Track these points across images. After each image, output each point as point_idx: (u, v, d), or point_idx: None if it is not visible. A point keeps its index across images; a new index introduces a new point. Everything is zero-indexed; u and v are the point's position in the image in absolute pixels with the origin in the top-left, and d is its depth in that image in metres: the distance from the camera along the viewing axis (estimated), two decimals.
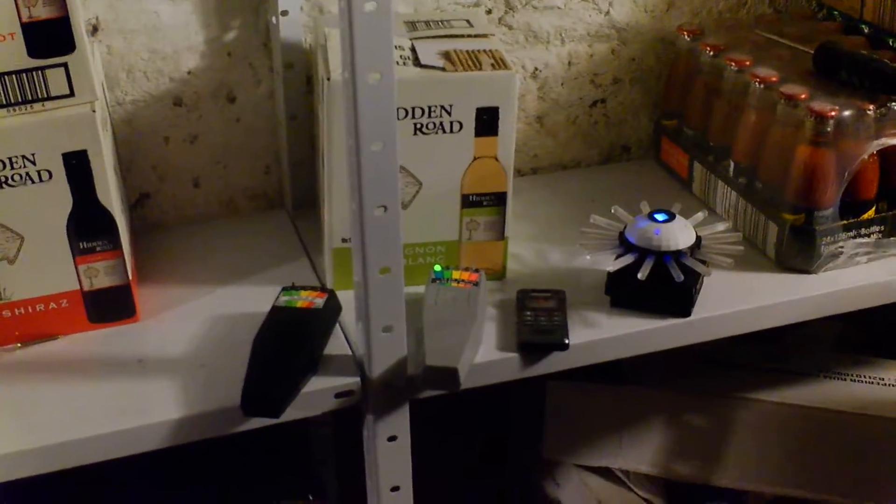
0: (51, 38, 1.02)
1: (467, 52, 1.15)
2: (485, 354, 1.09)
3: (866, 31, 1.36)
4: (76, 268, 1.11)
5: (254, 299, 1.16)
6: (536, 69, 1.43)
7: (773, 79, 1.24)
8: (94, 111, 1.05)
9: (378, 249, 0.98)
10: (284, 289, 1.13)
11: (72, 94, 1.05)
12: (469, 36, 1.19)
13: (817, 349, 1.50)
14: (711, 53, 1.34)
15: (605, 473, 1.46)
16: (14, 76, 1.02)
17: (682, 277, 1.11)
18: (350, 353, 1.09)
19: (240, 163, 1.37)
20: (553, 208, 1.38)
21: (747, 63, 1.29)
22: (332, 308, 1.12)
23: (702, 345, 1.19)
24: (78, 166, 1.06)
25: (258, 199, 1.40)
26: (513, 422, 1.59)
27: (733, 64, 1.30)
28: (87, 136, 1.05)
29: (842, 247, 1.21)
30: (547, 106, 1.46)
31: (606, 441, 1.44)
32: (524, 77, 1.43)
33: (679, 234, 1.14)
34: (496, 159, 1.15)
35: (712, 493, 1.41)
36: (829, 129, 1.17)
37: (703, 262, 1.14)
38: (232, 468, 1.34)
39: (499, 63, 1.13)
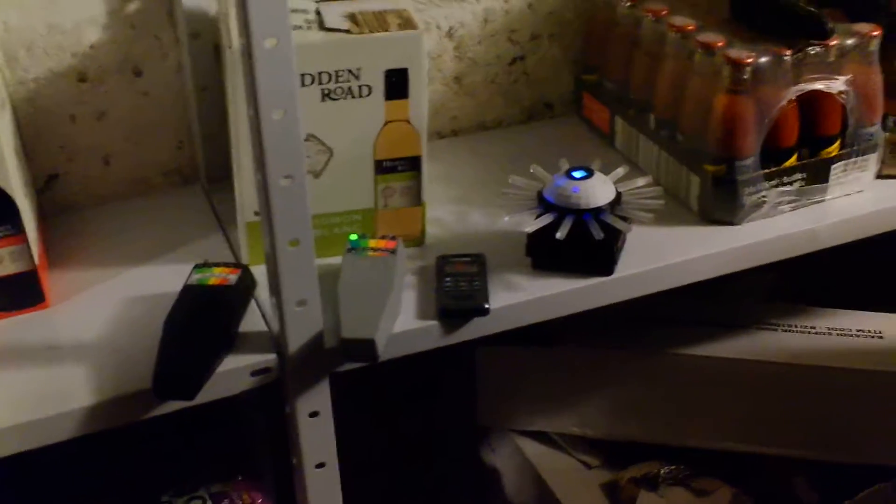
0: None
1: (374, 12, 1.11)
2: (404, 323, 1.07)
3: None
4: None
5: (168, 279, 1.12)
6: (451, 28, 1.40)
7: (690, 27, 1.22)
8: None
9: (286, 221, 0.95)
10: (196, 266, 1.10)
11: None
12: None
13: (749, 301, 1.49)
14: (628, 4, 1.32)
15: (541, 437, 1.44)
16: None
17: (602, 235, 1.09)
18: (266, 329, 1.07)
19: (151, 138, 1.33)
20: (474, 170, 1.36)
21: (664, 12, 1.27)
22: (246, 284, 1.09)
23: (632, 301, 1.17)
24: None
25: (172, 175, 1.36)
26: (444, 390, 1.57)
27: (650, 14, 1.27)
28: None
29: (765, 196, 1.19)
30: (464, 66, 1.43)
31: (539, 404, 1.43)
32: (439, 37, 1.40)
33: (598, 190, 1.12)
34: (408, 122, 1.12)
35: (649, 451, 1.40)
36: (746, 77, 1.15)
37: (624, 219, 1.12)
38: (159, 454, 1.31)
39: (406, 23, 1.10)
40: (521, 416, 1.44)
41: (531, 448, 1.43)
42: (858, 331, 1.42)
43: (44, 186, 1.30)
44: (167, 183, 1.36)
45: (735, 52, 1.16)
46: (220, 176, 1.32)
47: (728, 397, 1.39)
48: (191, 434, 1.32)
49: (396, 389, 1.52)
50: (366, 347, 0.99)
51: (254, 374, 1.03)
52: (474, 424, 1.46)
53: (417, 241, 1.19)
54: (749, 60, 1.15)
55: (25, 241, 1.08)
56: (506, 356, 1.40)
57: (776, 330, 1.42)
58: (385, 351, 1.01)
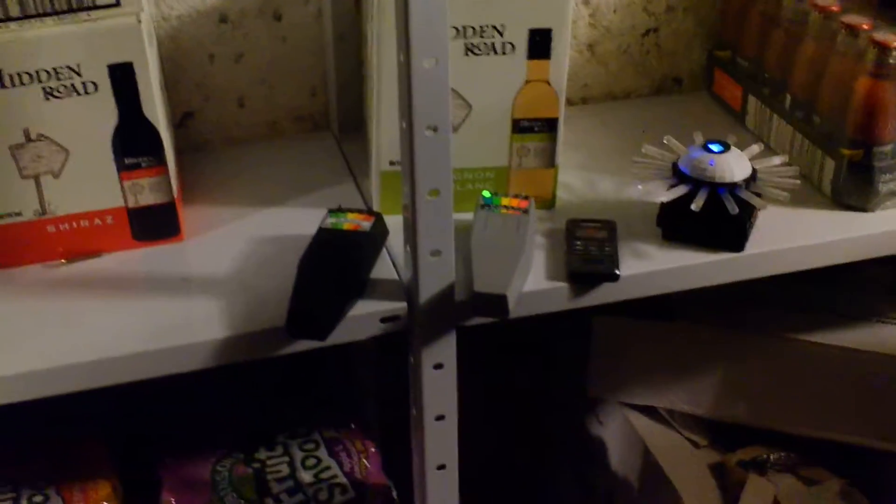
0: None
1: None
2: (533, 283, 1.07)
3: None
4: (121, 183, 1.10)
5: (299, 221, 1.14)
6: None
7: (834, 8, 1.20)
8: (139, 21, 1.03)
9: (427, 171, 0.96)
10: (331, 211, 1.11)
11: (117, 3, 1.03)
12: None
13: (871, 293, 1.47)
14: None
15: (650, 412, 1.43)
16: None
17: (736, 210, 1.08)
18: (397, 277, 1.07)
19: (285, 83, 1.35)
20: (603, 138, 1.36)
21: None
22: (380, 231, 1.10)
23: (753, 283, 1.16)
24: (123, 79, 1.04)
25: (303, 122, 1.38)
26: (557, 357, 1.57)
27: None
28: (133, 47, 1.04)
29: None
30: (598, 34, 1.43)
31: (652, 379, 1.42)
32: (576, 3, 1.39)
33: (734, 165, 1.11)
34: (548, 83, 1.12)
35: (758, 435, 1.39)
36: (891, 61, 1.13)
37: (759, 196, 1.11)
38: (274, 394, 1.34)
39: None
40: (632, 389, 1.43)
41: (640, 422, 1.42)
42: None
43: (179, 123, 1.32)
44: (298, 128, 1.38)
45: (881, 36, 1.14)
46: (350, 125, 1.34)
47: (841, 388, 1.37)
48: (303, 378, 1.35)
49: (510, 349, 1.52)
50: (497, 303, 0.99)
51: (383, 320, 1.03)
52: (584, 393, 1.46)
53: (548, 203, 1.19)
54: (895, 44, 1.13)
55: (167, 172, 1.10)
56: (622, 327, 1.40)
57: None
58: (514, 308, 1.02)
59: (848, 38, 1.17)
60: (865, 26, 1.16)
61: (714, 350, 1.39)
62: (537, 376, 1.60)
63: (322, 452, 1.25)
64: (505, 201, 1.11)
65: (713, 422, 1.42)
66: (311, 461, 1.24)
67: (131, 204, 1.11)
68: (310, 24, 1.32)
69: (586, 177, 1.26)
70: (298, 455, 1.25)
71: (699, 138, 1.16)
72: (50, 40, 1.01)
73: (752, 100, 1.35)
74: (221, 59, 1.31)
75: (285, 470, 1.22)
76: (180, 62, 1.29)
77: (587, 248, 1.10)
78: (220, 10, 1.28)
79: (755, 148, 1.16)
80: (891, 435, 1.37)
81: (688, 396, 1.41)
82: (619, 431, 1.44)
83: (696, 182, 1.11)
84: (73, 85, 1.03)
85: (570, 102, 1.43)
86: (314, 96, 1.36)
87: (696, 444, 1.40)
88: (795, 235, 1.16)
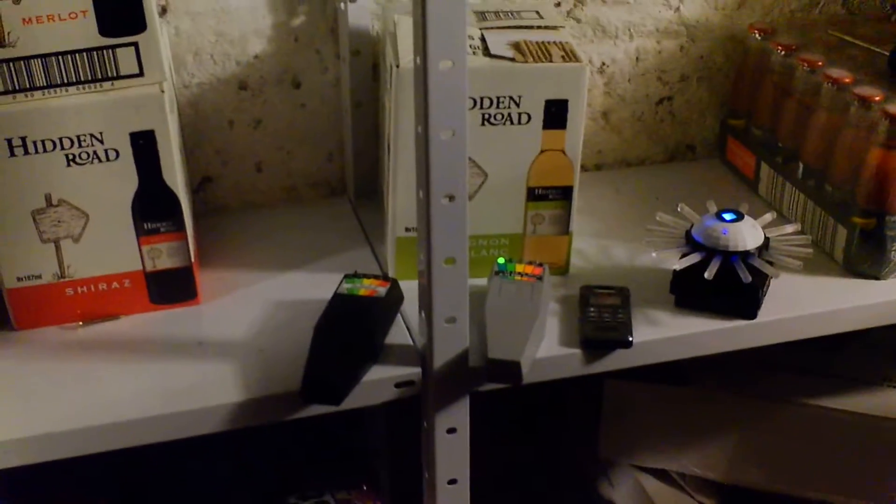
0: (122, 16, 1.02)
1: (537, 43, 1.13)
2: (547, 349, 1.08)
3: None
4: (140, 248, 1.11)
5: (314, 286, 1.16)
6: (604, 64, 1.42)
7: (847, 80, 1.22)
8: (162, 91, 1.05)
9: (444, 239, 0.97)
10: (347, 276, 1.12)
11: (141, 73, 1.04)
12: (539, 27, 1.17)
13: (882, 357, 1.47)
14: (783, 53, 1.32)
15: (662, 475, 1.43)
16: (85, 54, 1.02)
17: (749, 279, 1.09)
18: (411, 343, 1.08)
19: (303, 149, 1.37)
20: (617, 205, 1.37)
21: (820, 63, 1.26)
22: (395, 297, 1.11)
23: (764, 348, 1.17)
24: (145, 146, 1.06)
25: (320, 187, 1.39)
26: (568, 420, 1.57)
27: (805, 64, 1.27)
28: (155, 116, 1.05)
29: None
30: (613, 102, 1.45)
31: (664, 442, 1.42)
32: (591, 72, 1.41)
33: (747, 234, 1.12)
34: (563, 153, 1.14)
35: (770, 499, 1.39)
36: None
37: (771, 264, 1.12)
38: (285, 456, 1.34)
39: (569, 55, 1.11)
40: (643, 452, 1.44)
41: (651, 485, 1.42)
42: None
43: (198, 187, 1.34)
44: (315, 194, 1.40)
45: (893, 107, 1.15)
46: (366, 190, 1.35)
47: (852, 452, 1.37)
48: (315, 440, 1.35)
49: (522, 411, 1.52)
50: (511, 369, 1.00)
51: (398, 385, 1.04)
52: (596, 455, 1.46)
53: (562, 270, 1.20)
54: None
55: (185, 237, 1.12)
56: (634, 391, 1.40)
57: None
58: (528, 374, 1.02)
59: (860, 109, 1.18)
60: (877, 98, 1.17)
61: (725, 414, 1.39)
62: (549, 439, 1.61)
63: None
64: (519, 268, 1.12)
65: (725, 486, 1.41)
66: None
67: (149, 268, 1.12)
68: (328, 92, 1.34)
69: (600, 243, 1.27)
70: None
71: (712, 207, 1.18)
72: (74, 109, 1.03)
73: (765, 168, 1.36)
74: (240, 126, 1.33)
75: None
76: (200, 128, 1.31)
77: (601, 315, 1.10)
78: (240, 77, 1.30)
79: (768, 217, 1.17)
80: None
81: (699, 460, 1.41)
82: (631, 494, 1.44)
83: (709, 250, 1.12)
84: (94, 152, 1.05)
85: (584, 169, 1.44)
86: (331, 162, 1.38)
87: None
88: (807, 303, 1.17)
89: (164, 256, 1.12)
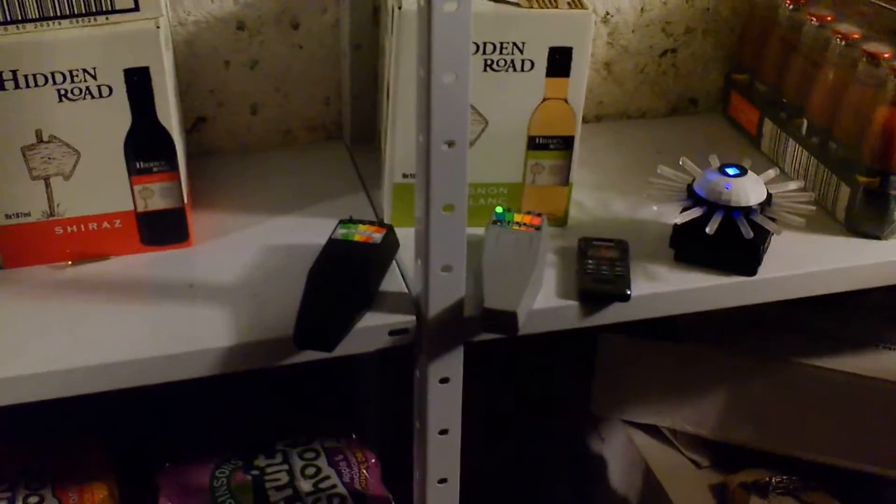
0: None
1: None
2: (544, 301, 1.06)
3: None
4: (131, 188, 1.09)
5: (309, 231, 1.14)
6: (608, 13, 1.39)
7: (856, 36, 1.20)
8: (158, 27, 1.02)
9: (443, 186, 0.95)
10: (342, 221, 1.10)
11: (137, 8, 1.02)
12: None
13: (877, 319, 1.46)
14: (791, 7, 1.30)
15: (653, 431, 1.43)
16: None
17: (751, 234, 1.08)
18: (406, 290, 1.07)
19: (300, 92, 1.34)
20: (617, 157, 1.35)
21: (829, 18, 1.24)
22: (390, 244, 1.09)
23: (759, 306, 1.16)
24: (139, 83, 1.04)
25: (316, 131, 1.37)
26: (560, 374, 1.56)
27: (814, 19, 1.25)
28: (149, 52, 1.03)
29: None
30: (616, 53, 1.43)
31: (656, 399, 1.41)
32: (595, 21, 1.39)
33: (750, 189, 1.10)
34: (566, 101, 1.12)
35: (759, 458, 1.38)
36: None
37: (773, 221, 1.11)
38: (277, 403, 1.33)
39: (575, 2, 1.09)
40: (635, 408, 1.43)
41: (642, 441, 1.41)
42: None
43: (192, 128, 1.32)
44: (311, 138, 1.38)
45: None
46: (364, 135, 1.33)
47: (845, 413, 1.36)
48: (306, 388, 1.34)
49: (515, 364, 1.51)
50: (507, 319, 0.99)
51: (391, 333, 1.03)
52: (587, 410, 1.45)
53: (560, 221, 1.19)
54: None
55: (178, 178, 1.10)
56: (628, 346, 1.39)
57: None
58: (524, 325, 1.01)
59: (868, 66, 1.17)
60: (887, 55, 1.15)
61: (719, 372, 1.38)
62: (541, 392, 1.60)
63: (322, 462, 1.24)
64: (517, 217, 1.11)
65: (716, 443, 1.41)
66: (311, 470, 1.23)
67: (140, 208, 1.10)
68: (327, 34, 1.31)
69: (599, 195, 1.25)
70: (298, 464, 1.24)
71: (715, 161, 1.16)
72: (67, 43, 1.01)
73: (768, 124, 1.34)
74: (236, 66, 1.30)
75: (284, 478, 1.22)
76: (195, 68, 1.29)
77: (599, 268, 1.09)
78: (238, 16, 1.27)
79: (771, 172, 1.16)
80: (893, 462, 1.36)
81: (691, 417, 1.40)
82: (622, 450, 1.44)
83: (711, 205, 1.10)
84: (87, 88, 1.03)
85: (584, 120, 1.40)
86: (328, 106, 1.36)
87: (698, 465, 1.40)
88: (807, 261, 1.15)
89: (156, 197, 1.10)
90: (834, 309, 1.43)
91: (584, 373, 1.44)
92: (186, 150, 1.22)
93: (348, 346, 1.00)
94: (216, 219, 1.19)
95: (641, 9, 1.40)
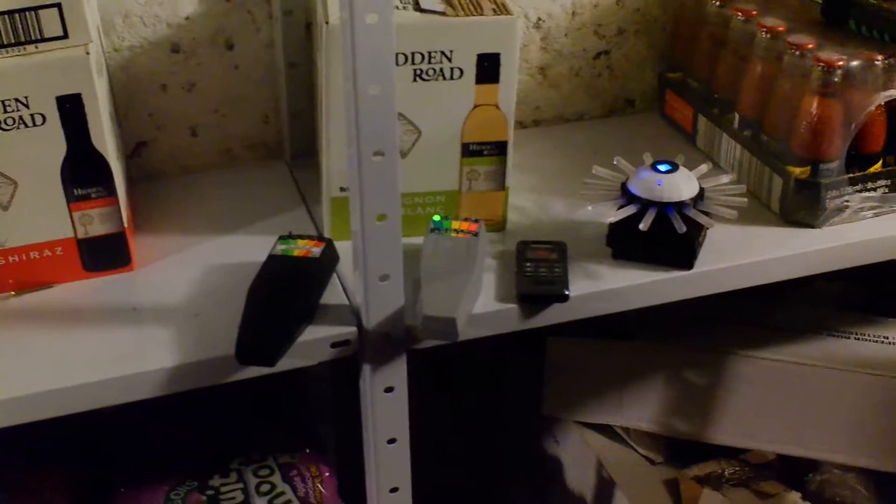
0: None
1: None
2: (484, 305, 1.08)
3: None
4: (71, 215, 1.09)
5: (250, 248, 1.14)
6: (539, 19, 1.41)
7: (780, 28, 1.22)
8: (88, 53, 1.03)
9: (375, 196, 0.96)
10: (281, 237, 1.11)
11: (66, 35, 1.02)
12: None
13: (821, 308, 1.48)
14: (717, 3, 1.32)
15: (606, 430, 1.44)
16: (6, 16, 1.00)
17: (684, 229, 1.09)
18: (347, 302, 1.08)
19: (238, 112, 1.35)
20: (555, 160, 1.37)
21: (754, 13, 1.26)
22: (330, 257, 1.10)
23: (705, 301, 1.17)
24: (72, 110, 1.04)
25: (256, 149, 1.38)
26: (512, 378, 1.57)
27: (740, 14, 1.27)
28: (81, 79, 1.03)
29: (847, 201, 1.19)
30: (550, 57, 1.44)
31: (607, 398, 1.43)
32: (527, 27, 1.40)
33: (682, 184, 1.12)
34: (497, 107, 1.13)
35: (713, 451, 1.40)
36: (836, 80, 1.14)
37: (707, 214, 1.12)
38: (229, 421, 1.33)
39: (501, 8, 1.10)
40: (587, 408, 1.44)
41: (595, 440, 1.43)
42: None
43: (132, 153, 1.32)
44: (251, 156, 1.38)
45: (826, 55, 1.15)
46: (303, 152, 1.34)
47: (795, 402, 1.38)
48: (258, 404, 1.34)
49: (465, 372, 1.52)
50: (446, 326, 1.00)
51: (333, 345, 1.04)
52: (540, 412, 1.46)
53: (498, 225, 1.20)
54: (840, 63, 1.14)
55: (117, 203, 1.10)
56: (577, 347, 1.40)
57: (848, 338, 1.41)
58: (464, 331, 1.02)
59: (794, 57, 1.18)
60: (811, 45, 1.17)
61: (668, 368, 1.40)
62: (493, 396, 1.61)
63: (276, 478, 1.25)
64: (455, 224, 1.12)
65: (669, 439, 1.42)
66: (266, 487, 1.23)
67: (81, 235, 1.10)
68: (261, 53, 1.32)
69: (537, 199, 1.27)
70: (253, 481, 1.24)
71: (648, 159, 1.17)
72: None
73: (702, 120, 1.36)
74: (174, 89, 1.31)
75: (239, 497, 1.22)
76: (133, 92, 1.29)
77: (537, 270, 1.10)
78: (172, 40, 1.28)
79: (703, 167, 1.17)
80: (843, 448, 1.38)
81: (642, 414, 1.42)
82: (575, 450, 1.45)
83: (644, 202, 1.12)
84: (20, 117, 1.03)
85: (522, 125, 1.45)
86: (267, 124, 1.37)
87: (651, 461, 1.41)
88: (744, 252, 1.17)
89: (96, 223, 1.11)
90: (778, 300, 1.45)
91: (536, 375, 1.45)
92: (128, 174, 1.23)
93: (291, 360, 1.01)
94: (158, 241, 1.20)
95: (573, 13, 1.42)
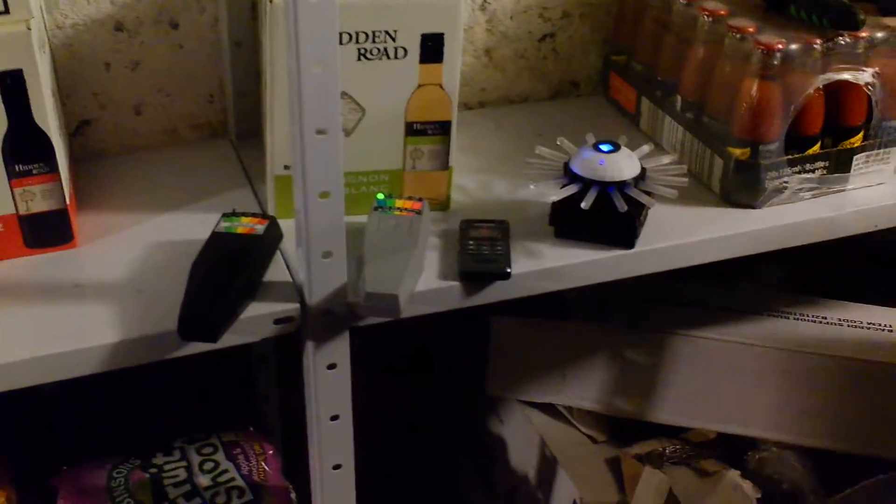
0: None
1: None
2: (426, 283, 1.08)
3: None
4: (12, 191, 1.08)
5: (195, 226, 1.14)
6: (485, 1, 1.42)
7: (722, 12, 1.23)
8: (29, 28, 1.02)
9: (318, 173, 0.97)
10: (225, 215, 1.11)
11: (6, 10, 1.02)
12: None
13: (761, 288, 1.50)
14: None
15: (549, 410, 1.46)
16: None
17: (625, 208, 1.11)
18: (290, 279, 1.08)
19: (183, 91, 1.35)
20: (499, 142, 1.38)
21: None
22: (273, 235, 1.11)
23: (647, 281, 1.19)
24: (13, 86, 1.03)
25: (201, 129, 1.38)
26: (457, 358, 1.58)
27: None
28: (22, 54, 1.03)
29: (786, 182, 1.21)
30: (495, 39, 1.45)
31: (550, 377, 1.44)
32: (472, 9, 1.41)
33: (624, 164, 1.13)
34: (441, 87, 1.14)
35: (654, 430, 1.42)
36: (775, 63, 1.16)
37: (648, 194, 1.13)
38: (172, 399, 1.33)
39: None
40: (530, 388, 1.45)
41: (539, 420, 1.44)
42: (870, 324, 1.43)
43: (76, 131, 1.32)
44: (196, 135, 1.38)
45: (766, 38, 1.17)
46: (248, 131, 1.34)
47: (735, 382, 1.40)
48: (201, 383, 1.35)
49: (409, 353, 1.53)
50: (389, 302, 1.00)
51: (276, 321, 1.04)
52: (484, 393, 1.47)
53: (442, 205, 1.21)
54: (779, 46, 1.16)
55: (58, 179, 1.10)
56: (520, 327, 1.42)
57: (788, 318, 1.44)
58: (406, 308, 1.03)
59: (734, 40, 1.20)
60: (751, 29, 1.19)
61: (610, 347, 1.41)
62: (438, 376, 1.62)
63: (220, 456, 1.25)
64: (399, 203, 1.12)
65: (612, 418, 1.44)
66: (209, 465, 1.24)
67: (22, 211, 1.10)
68: (206, 32, 1.32)
69: (481, 179, 1.27)
70: (196, 459, 1.25)
71: (591, 139, 1.18)
72: None
73: (645, 102, 1.38)
74: (117, 68, 1.31)
75: (182, 474, 1.22)
76: (76, 71, 1.29)
77: (479, 248, 1.11)
78: (116, 18, 1.28)
79: (645, 148, 1.19)
80: (782, 427, 1.40)
81: (584, 393, 1.43)
82: (519, 429, 1.46)
83: (586, 181, 1.13)
84: None
85: (467, 107, 1.45)
86: (211, 103, 1.37)
87: (594, 440, 1.43)
88: (685, 232, 1.18)
89: (37, 199, 1.10)
90: (720, 281, 1.47)
91: (481, 356, 1.46)
92: (70, 153, 1.22)
93: (234, 337, 1.02)
94: (101, 219, 1.19)
95: None
